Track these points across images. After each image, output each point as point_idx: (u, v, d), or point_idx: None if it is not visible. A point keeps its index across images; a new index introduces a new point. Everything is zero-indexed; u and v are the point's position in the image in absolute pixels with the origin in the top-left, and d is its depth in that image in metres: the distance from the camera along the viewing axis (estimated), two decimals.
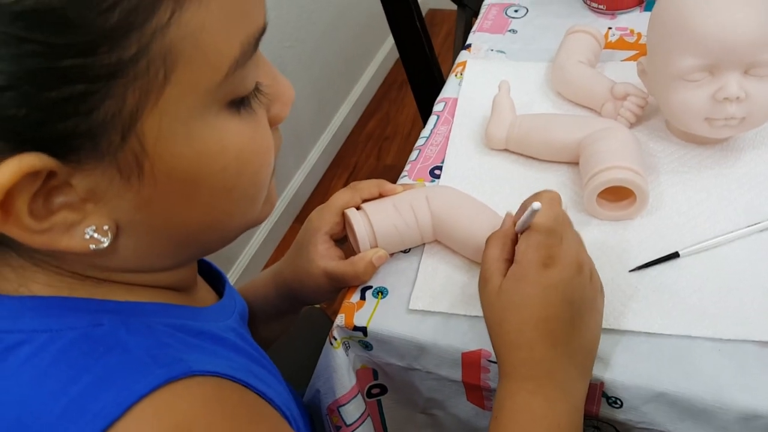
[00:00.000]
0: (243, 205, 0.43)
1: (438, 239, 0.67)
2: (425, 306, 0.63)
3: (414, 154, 0.80)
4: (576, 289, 0.52)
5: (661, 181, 0.70)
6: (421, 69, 1.35)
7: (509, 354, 0.52)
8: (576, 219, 0.66)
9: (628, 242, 0.65)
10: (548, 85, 0.84)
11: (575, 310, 0.52)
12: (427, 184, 0.75)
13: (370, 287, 0.67)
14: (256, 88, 0.40)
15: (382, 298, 0.66)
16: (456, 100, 0.86)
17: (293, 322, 0.76)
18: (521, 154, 0.76)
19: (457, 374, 0.62)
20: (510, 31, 0.96)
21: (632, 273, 0.62)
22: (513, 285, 0.52)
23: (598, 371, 0.56)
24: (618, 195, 0.66)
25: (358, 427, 0.66)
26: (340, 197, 0.67)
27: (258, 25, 0.38)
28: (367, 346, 0.64)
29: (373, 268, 0.66)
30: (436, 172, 0.77)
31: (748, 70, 0.64)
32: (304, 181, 1.94)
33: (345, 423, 0.65)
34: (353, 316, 0.64)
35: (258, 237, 1.76)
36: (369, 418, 0.67)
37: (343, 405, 0.65)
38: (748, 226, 0.63)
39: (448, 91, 0.88)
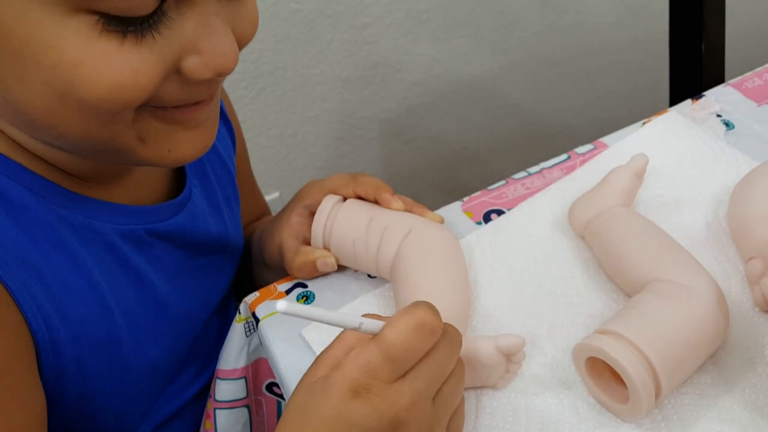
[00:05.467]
0: (83, 119, 0.40)
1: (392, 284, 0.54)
2: (314, 342, 0.52)
3: (498, 183, 0.64)
4: None
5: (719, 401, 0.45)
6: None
7: None
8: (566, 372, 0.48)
9: None
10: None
11: None
12: (460, 223, 0.60)
13: (305, 286, 0.57)
14: (160, 21, 0.38)
15: (303, 303, 0.56)
16: (607, 148, 0.65)
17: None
18: (596, 254, 0.55)
19: None
20: None
21: None
22: (316, 391, 0.39)
23: None
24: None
25: (224, 408, 0.59)
26: (337, 180, 0.58)
27: None
28: (261, 342, 0.56)
29: (310, 270, 0.56)
30: (492, 216, 0.61)
31: None
32: None
33: (214, 396, 0.59)
34: (263, 301, 0.56)
35: None
36: (245, 408, 0.60)
37: (220, 378, 0.59)
38: None
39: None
